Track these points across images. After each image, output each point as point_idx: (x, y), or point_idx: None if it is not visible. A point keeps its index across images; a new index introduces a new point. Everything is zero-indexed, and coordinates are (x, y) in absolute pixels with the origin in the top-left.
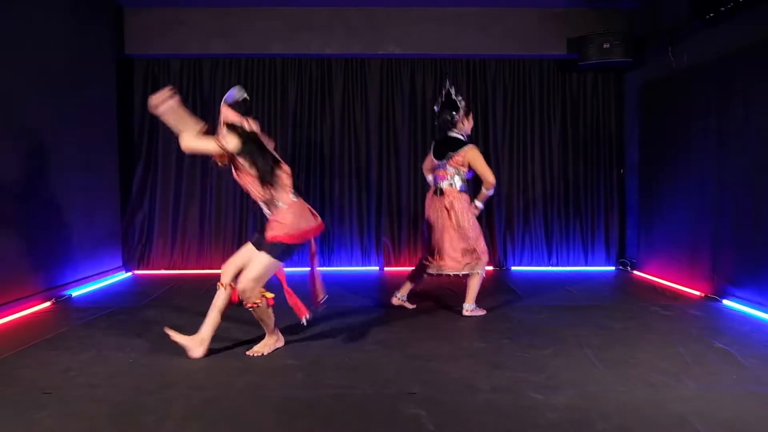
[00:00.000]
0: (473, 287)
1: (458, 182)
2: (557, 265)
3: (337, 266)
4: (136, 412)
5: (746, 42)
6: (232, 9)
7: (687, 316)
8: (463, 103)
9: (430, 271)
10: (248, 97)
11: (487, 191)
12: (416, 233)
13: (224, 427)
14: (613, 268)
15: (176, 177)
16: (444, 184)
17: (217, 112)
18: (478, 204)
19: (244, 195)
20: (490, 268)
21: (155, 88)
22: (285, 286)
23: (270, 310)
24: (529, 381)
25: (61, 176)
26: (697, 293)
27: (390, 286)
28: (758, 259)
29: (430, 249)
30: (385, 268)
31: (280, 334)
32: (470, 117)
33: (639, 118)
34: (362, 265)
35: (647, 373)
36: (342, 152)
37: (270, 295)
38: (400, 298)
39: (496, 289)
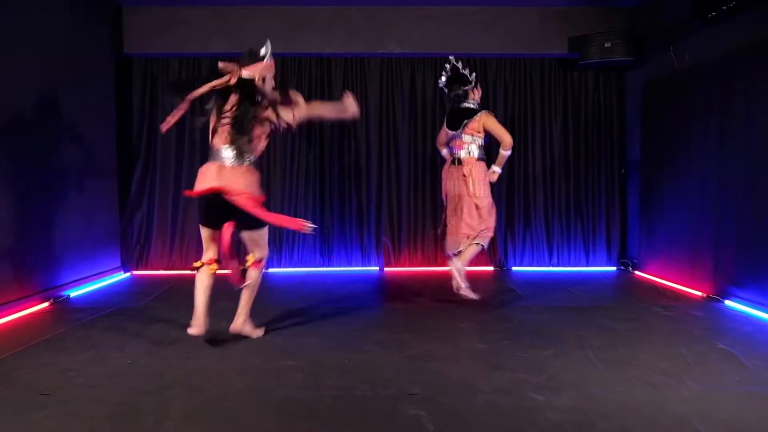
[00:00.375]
0: (469, 254)
1: (475, 150)
2: (558, 265)
3: (336, 266)
4: (135, 413)
5: (748, 41)
6: (232, 8)
7: (689, 316)
8: (473, 75)
9: (448, 248)
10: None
11: (504, 152)
12: (416, 233)
13: (224, 427)
14: (614, 268)
15: (175, 177)
16: (462, 153)
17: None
18: (497, 168)
19: None
20: (491, 268)
21: (154, 88)
22: (223, 247)
23: (197, 280)
24: (529, 382)
25: (59, 176)
26: (699, 294)
27: (390, 286)
28: (760, 259)
29: (447, 221)
30: (385, 269)
31: (201, 322)
32: (479, 87)
33: (640, 117)
34: (362, 266)
35: (648, 373)
36: (341, 151)
37: (196, 264)
38: (464, 287)
39: (496, 289)
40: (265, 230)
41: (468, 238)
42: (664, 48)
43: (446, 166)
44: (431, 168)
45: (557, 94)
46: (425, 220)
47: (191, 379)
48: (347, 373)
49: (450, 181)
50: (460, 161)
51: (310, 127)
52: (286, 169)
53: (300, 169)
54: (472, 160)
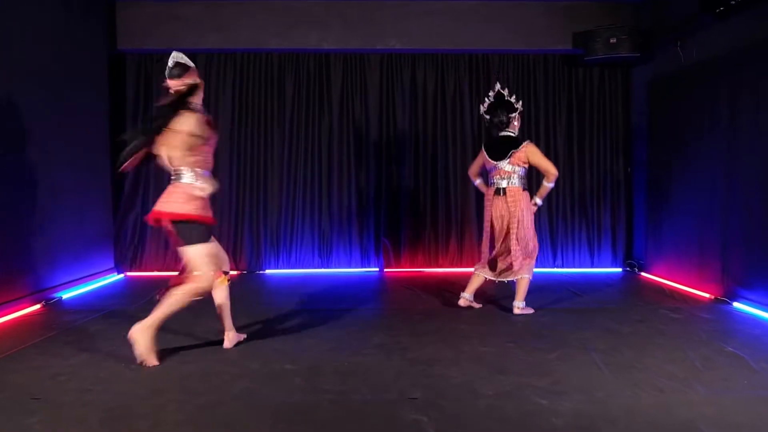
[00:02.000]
0: (523, 288)
1: (517, 180)
2: (562, 266)
3: (335, 267)
4: (129, 418)
5: (757, 37)
6: (227, 3)
7: (696, 319)
8: (519, 103)
9: (490, 275)
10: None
11: (549, 184)
12: (417, 234)
13: None
14: (620, 269)
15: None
16: (504, 183)
17: (211, 108)
18: (538, 201)
19: (240, 195)
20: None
21: (148, 84)
22: None
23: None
24: (533, 386)
25: (52, 175)
26: (707, 295)
27: (390, 287)
28: None
29: (493, 251)
30: (385, 270)
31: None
32: (520, 115)
33: (647, 114)
34: (361, 267)
35: (655, 377)
36: (341, 150)
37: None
38: (467, 298)
39: (499, 291)
40: (191, 252)
41: (515, 267)
42: (670, 43)
43: (489, 196)
44: (432, 167)
45: (561, 91)
46: (426, 220)
47: (186, 383)
48: (346, 377)
49: (496, 211)
50: (504, 191)
51: (307, 124)
52: (284, 168)
53: (298, 168)
54: (518, 191)
